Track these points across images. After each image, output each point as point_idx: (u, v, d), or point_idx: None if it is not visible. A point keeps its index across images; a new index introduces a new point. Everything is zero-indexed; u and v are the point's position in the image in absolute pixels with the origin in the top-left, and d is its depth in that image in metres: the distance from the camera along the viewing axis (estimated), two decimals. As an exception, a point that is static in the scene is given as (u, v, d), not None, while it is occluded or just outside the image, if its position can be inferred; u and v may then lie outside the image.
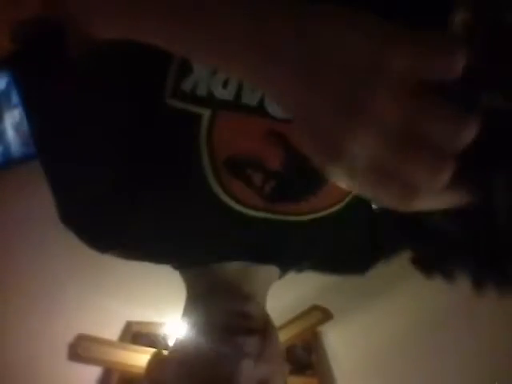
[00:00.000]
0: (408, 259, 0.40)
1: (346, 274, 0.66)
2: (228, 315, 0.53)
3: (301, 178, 0.50)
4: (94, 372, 1.52)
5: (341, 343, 1.68)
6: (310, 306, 1.66)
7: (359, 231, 0.59)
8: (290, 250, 0.57)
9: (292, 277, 0.65)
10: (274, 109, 0.45)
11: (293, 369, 1.59)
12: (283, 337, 1.60)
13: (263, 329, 0.54)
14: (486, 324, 1.58)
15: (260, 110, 0.46)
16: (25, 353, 1.44)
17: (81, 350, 1.49)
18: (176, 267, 0.59)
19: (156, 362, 0.58)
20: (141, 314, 1.58)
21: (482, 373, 1.53)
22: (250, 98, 0.45)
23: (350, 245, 0.60)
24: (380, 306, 1.65)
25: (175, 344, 0.57)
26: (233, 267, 0.56)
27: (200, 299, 0.57)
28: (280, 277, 0.61)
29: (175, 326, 1.53)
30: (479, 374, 1.53)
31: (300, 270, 0.63)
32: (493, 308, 1.60)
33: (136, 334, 1.59)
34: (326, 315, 1.66)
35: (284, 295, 1.42)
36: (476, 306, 1.60)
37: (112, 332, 1.58)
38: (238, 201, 0.50)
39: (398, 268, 1.73)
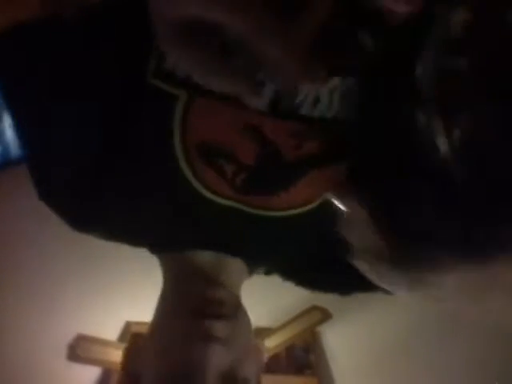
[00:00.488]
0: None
1: (323, 290, 0.64)
2: (200, 300, 0.53)
3: (272, 174, 0.50)
4: (93, 372, 1.52)
5: (340, 343, 1.68)
6: (309, 307, 1.66)
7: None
8: (257, 243, 0.57)
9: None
10: (252, 100, 0.45)
11: (292, 368, 1.59)
12: (283, 337, 1.60)
13: (233, 314, 0.54)
14: (486, 324, 1.58)
15: (238, 99, 0.44)
16: (24, 353, 1.44)
17: (80, 350, 1.49)
18: (152, 251, 0.60)
19: (131, 351, 0.59)
20: (140, 314, 1.58)
21: (481, 373, 1.53)
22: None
23: (328, 252, 0.57)
24: (379, 306, 1.65)
25: (149, 331, 0.58)
26: (206, 256, 0.57)
27: (174, 284, 0.58)
28: (250, 273, 0.61)
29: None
30: (479, 374, 1.53)
31: (268, 271, 0.63)
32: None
33: (135, 334, 1.59)
34: (325, 315, 1.66)
35: (283, 295, 1.42)
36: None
37: (111, 332, 1.58)
38: (208, 187, 0.50)
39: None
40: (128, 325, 1.60)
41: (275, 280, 0.64)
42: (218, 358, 0.50)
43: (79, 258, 1.53)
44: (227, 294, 0.56)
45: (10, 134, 1.71)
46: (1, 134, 1.69)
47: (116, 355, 1.49)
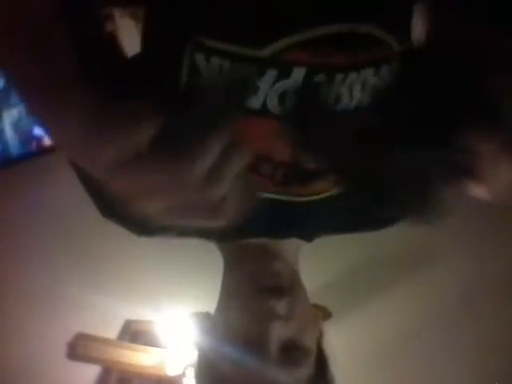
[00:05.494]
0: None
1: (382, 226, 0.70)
2: (258, 276, 0.59)
3: (305, 168, 0.54)
4: (92, 371, 1.52)
5: (340, 342, 1.68)
6: (308, 305, 1.66)
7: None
8: (305, 225, 0.61)
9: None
10: (277, 109, 0.48)
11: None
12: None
13: (291, 287, 0.59)
14: (487, 323, 1.58)
15: (264, 111, 0.48)
16: (24, 351, 1.44)
17: (80, 348, 1.49)
18: (214, 240, 0.65)
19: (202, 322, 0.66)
20: (139, 312, 1.58)
21: (482, 373, 1.53)
22: (254, 102, 0.48)
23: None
24: (379, 304, 1.65)
25: (217, 308, 0.64)
26: (262, 239, 0.62)
27: (233, 265, 0.64)
28: (309, 241, 0.66)
29: (173, 323, 1.53)
30: (479, 375, 1.53)
31: (327, 235, 0.68)
32: (494, 306, 1.60)
33: (135, 333, 1.59)
34: (325, 314, 1.66)
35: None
36: (477, 305, 1.61)
37: (111, 331, 1.58)
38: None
39: (398, 267, 1.73)
40: (128, 323, 1.61)
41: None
42: (280, 333, 0.56)
43: (79, 257, 1.53)
44: (284, 265, 0.61)
45: (9, 133, 1.71)
46: (1, 134, 1.69)
47: (116, 354, 1.49)
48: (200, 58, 0.46)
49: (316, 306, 1.67)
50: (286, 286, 0.59)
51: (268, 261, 0.60)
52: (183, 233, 0.62)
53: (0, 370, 1.41)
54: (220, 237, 0.63)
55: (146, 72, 0.49)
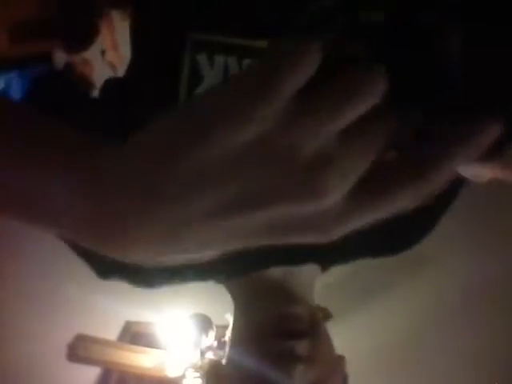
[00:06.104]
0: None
1: (402, 249, 0.65)
2: (276, 320, 0.54)
3: None
4: (92, 372, 1.52)
5: (340, 343, 1.68)
6: (308, 306, 1.66)
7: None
8: (327, 248, 0.57)
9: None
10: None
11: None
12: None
13: (312, 330, 0.55)
14: (487, 324, 1.58)
15: None
16: (24, 353, 1.44)
17: (80, 350, 1.49)
18: (223, 280, 0.60)
19: (214, 372, 0.59)
20: (140, 314, 1.58)
21: (482, 373, 1.53)
22: None
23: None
24: (380, 305, 1.65)
25: (229, 353, 0.58)
26: (275, 273, 0.57)
27: (248, 307, 0.58)
28: (323, 270, 0.61)
29: (173, 325, 1.54)
30: (479, 374, 1.53)
31: (346, 262, 0.63)
32: (493, 306, 1.60)
33: (135, 334, 1.59)
34: (325, 315, 1.66)
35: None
36: (476, 306, 1.61)
37: (111, 332, 1.58)
38: None
39: (398, 267, 1.73)
40: (128, 325, 1.61)
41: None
42: (303, 377, 0.51)
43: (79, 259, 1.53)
44: (303, 308, 0.56)
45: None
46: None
47: (116, 355, 1.49)
48: (202, 59, 0.44)
49: (316, 307, 1.67)
50: (306, 330, 0.54)
51: (289, 305, 0.55)
52: (187, 278, 0.59)
53: (0, 371, 1.41)
54: (231, 271, 0.58)
55: (139, 88, 0.48)
